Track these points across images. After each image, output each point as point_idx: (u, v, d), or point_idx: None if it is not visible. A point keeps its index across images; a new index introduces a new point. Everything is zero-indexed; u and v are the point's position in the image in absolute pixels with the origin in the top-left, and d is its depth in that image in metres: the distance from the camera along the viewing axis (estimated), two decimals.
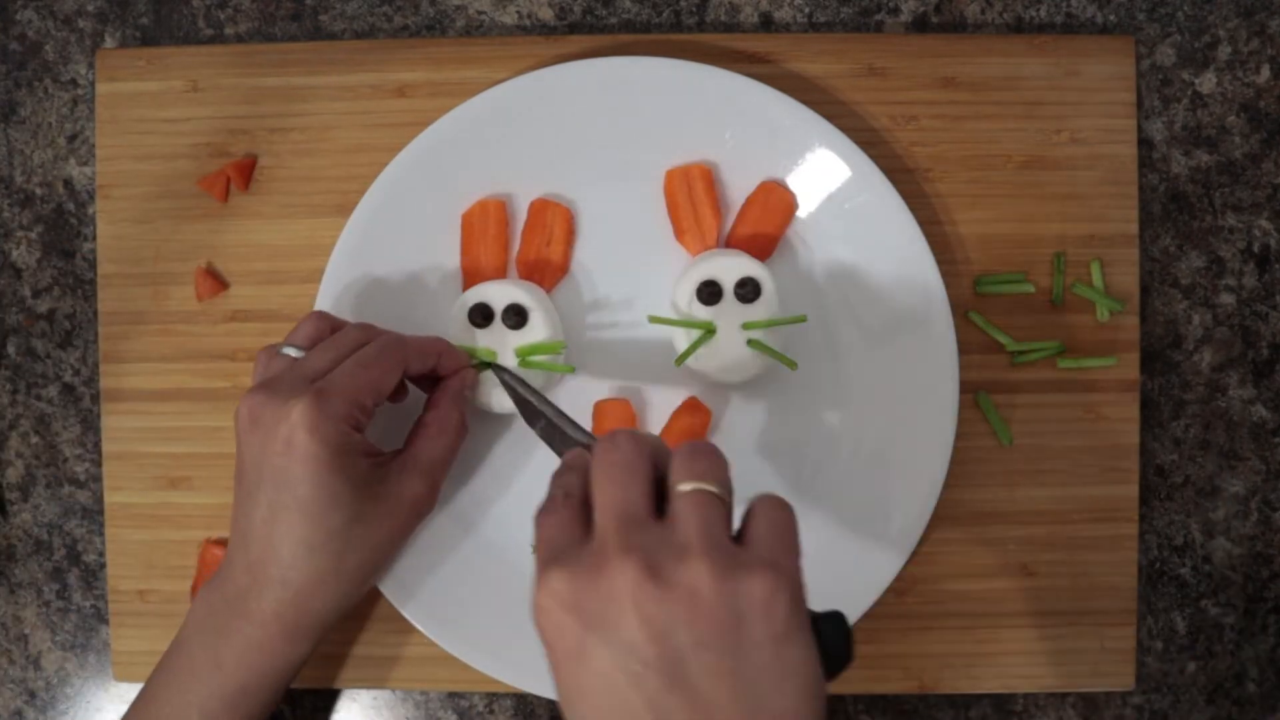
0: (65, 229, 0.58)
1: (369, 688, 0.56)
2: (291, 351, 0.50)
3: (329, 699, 0.57)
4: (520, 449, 0.55)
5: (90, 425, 0.58)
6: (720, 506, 0.37)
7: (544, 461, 0.55)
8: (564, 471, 0.41)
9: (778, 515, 0.38)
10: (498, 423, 0.55)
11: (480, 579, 0.54)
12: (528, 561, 0.54)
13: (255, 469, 0.47)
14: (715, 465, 0.38)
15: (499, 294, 0.53)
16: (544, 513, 0.39)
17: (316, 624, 0.49)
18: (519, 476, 0.55)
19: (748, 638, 0.34)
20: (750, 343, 0.52)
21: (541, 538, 0.39)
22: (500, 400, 0.53)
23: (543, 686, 0.53)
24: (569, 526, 0.38)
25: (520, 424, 0.55)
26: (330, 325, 0.51)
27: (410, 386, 0.54)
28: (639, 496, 0.38)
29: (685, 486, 0.37)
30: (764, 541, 0.37)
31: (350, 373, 0.48)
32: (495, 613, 0.54)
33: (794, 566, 0.36)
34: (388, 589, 0.53)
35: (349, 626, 0.56)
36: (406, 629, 0.54)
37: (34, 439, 0.58)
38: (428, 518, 0.53)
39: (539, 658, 0.53)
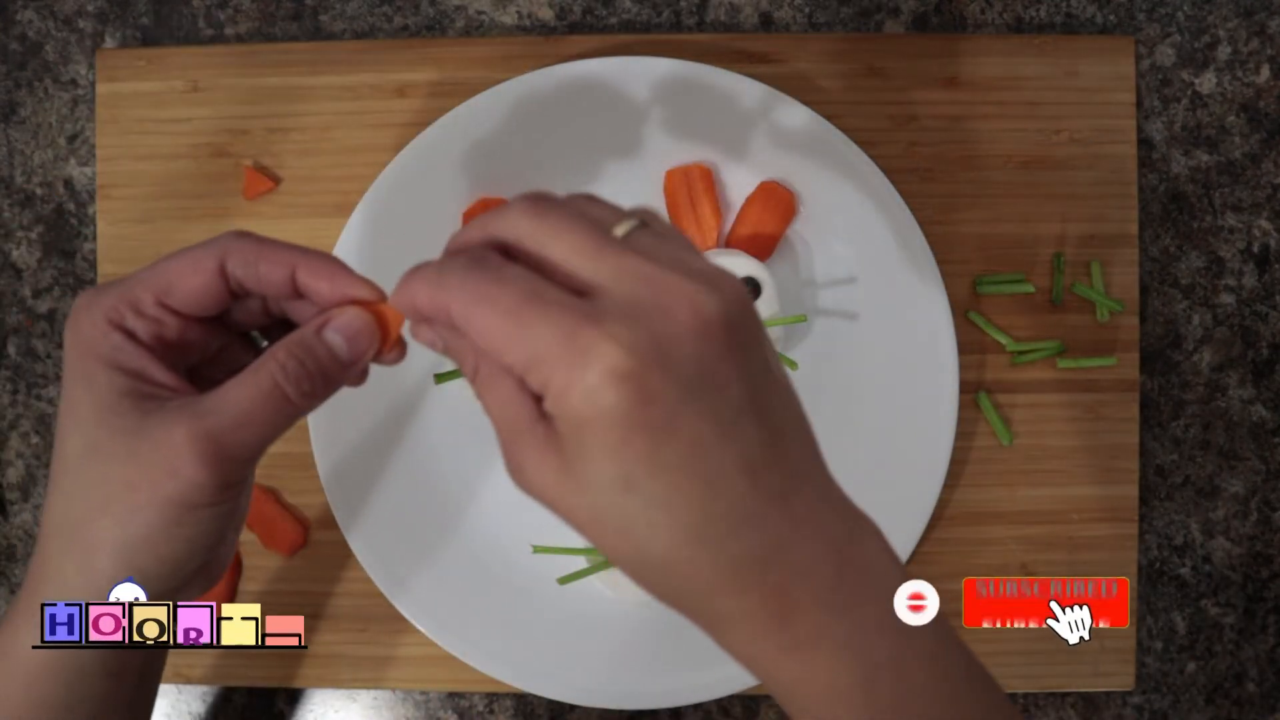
0: (65, 229, 0.58)
1: (369, 688, 0.56)
2: None
3: (329, 699, 0.57)
4: None
5: None
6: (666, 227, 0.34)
7: None
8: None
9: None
10: None
11: (481, 578, 0.54)
12: (529, 561, 0.54)
13: None
14: (606, 205, 0.33)
15: None
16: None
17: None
18: None
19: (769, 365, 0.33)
20: None
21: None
22: None
23: (542, 686, 0.53)
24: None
25: None
26: None
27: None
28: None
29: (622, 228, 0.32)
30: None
31: (150, 265, 0.37)
32: (495, 613, 0.54)
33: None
34: (387, 588, 0.53)
35: (349, 626, 0.56)
36: (406, 629, 0.54)
37: (34, 439, 0.58)
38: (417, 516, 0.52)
39: (539, 658, 0.53)
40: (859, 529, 0.33)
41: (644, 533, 0.31)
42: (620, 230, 0.32)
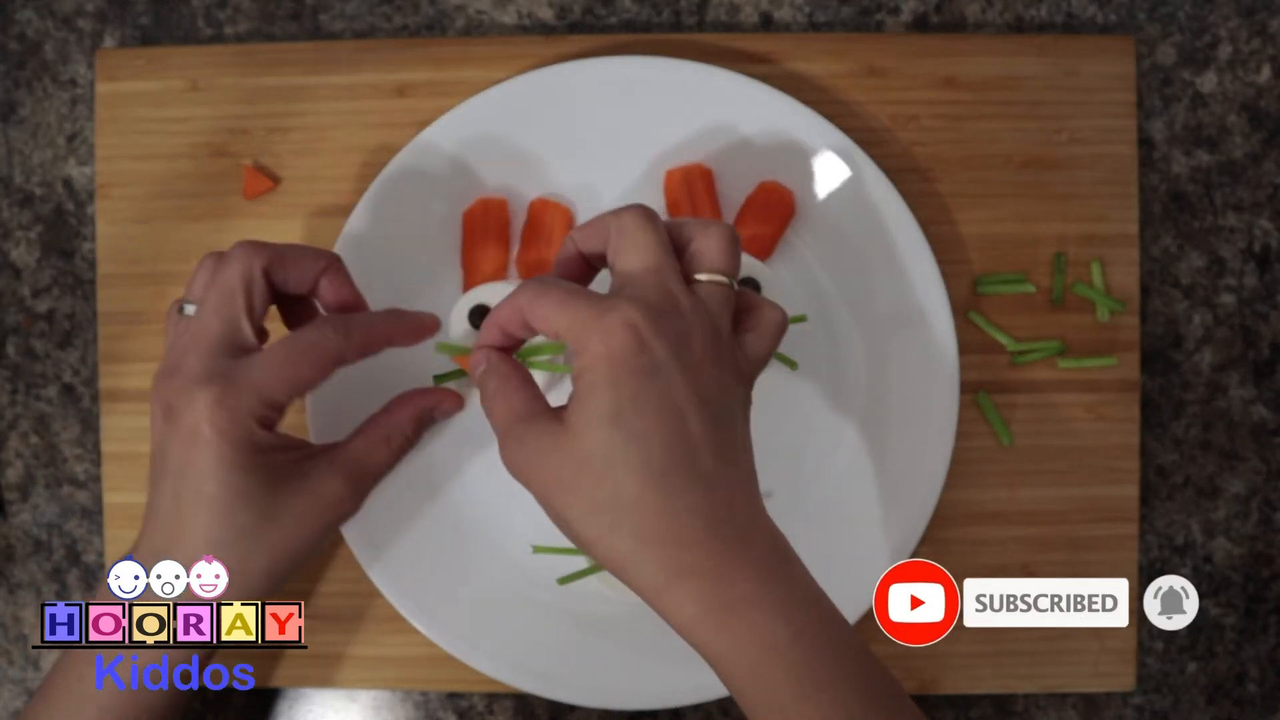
0: (65, 229, 0.58)
1: (369, 688, 0.56)
2: (190, 309, 0.46)
3: (330, 699, 0.57)
4: None
5: (90, 425, 0.57)
6: (731, 298, 0.42)
7: None
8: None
9: (777, 320, 0.43)
10: None
11: (481, 578, 0.54)
12: (529, 561, 0.54)
13: (161, 457, 0.44)
14: (735, 253, 0.42)
15: (499, 295, 0.52)
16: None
17: None
18: None
19: (739, 411, 0.42)
20: None
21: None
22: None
23: (542, 686, 0.53)
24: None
25: None
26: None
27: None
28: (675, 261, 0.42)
29: (704, 276, 0.42)
30: (761, 346, 0.43)
31: (269, 365, 0.44)
32: (496, 613, 0.54)
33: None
34: (387, 588, 0.53)
35: (349, 626, 0.56)
36: (406, 629, 0.54)
37: (34, 439, 0.58)
38: (422, 521, 0.52)
39: (539, 658, 0.53)
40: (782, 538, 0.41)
41: (620, 470, 0.38)
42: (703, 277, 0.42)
